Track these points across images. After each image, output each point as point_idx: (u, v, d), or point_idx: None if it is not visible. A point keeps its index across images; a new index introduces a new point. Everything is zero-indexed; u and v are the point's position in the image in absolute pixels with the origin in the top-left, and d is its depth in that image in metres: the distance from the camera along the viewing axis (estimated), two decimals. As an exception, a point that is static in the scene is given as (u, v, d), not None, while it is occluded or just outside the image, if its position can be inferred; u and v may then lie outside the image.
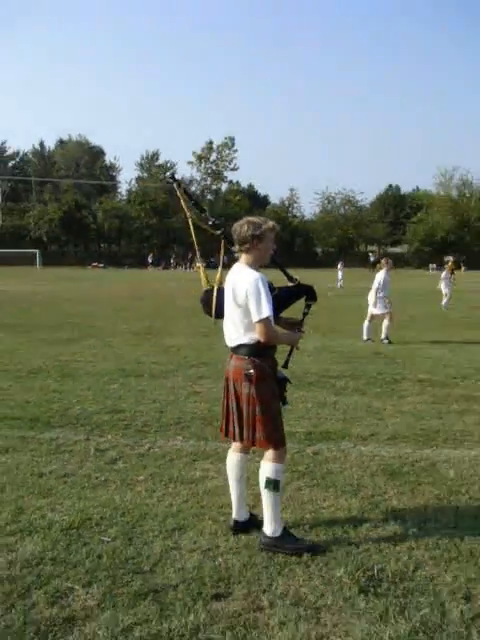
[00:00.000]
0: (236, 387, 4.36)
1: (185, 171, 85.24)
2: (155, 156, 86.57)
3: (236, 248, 4.41)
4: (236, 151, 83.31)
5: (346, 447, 6.51)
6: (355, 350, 12.87)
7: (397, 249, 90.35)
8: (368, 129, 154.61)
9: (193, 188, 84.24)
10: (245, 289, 4.18)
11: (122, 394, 8.73)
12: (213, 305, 4.71)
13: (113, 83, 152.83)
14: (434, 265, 71.88)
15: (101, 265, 68.34)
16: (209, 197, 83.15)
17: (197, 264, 5.18)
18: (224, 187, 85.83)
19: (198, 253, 5.21)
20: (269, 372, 4.37)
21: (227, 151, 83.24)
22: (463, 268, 52.87)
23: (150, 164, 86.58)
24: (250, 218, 4.38)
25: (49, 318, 18.11)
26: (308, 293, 4.77)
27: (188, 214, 4.98)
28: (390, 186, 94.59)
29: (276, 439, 4.32)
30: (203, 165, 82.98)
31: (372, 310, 14.97)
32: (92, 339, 14.00)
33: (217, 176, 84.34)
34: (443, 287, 25.65)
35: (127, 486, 5.39)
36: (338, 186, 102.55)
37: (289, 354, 4.73)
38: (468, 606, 3.62)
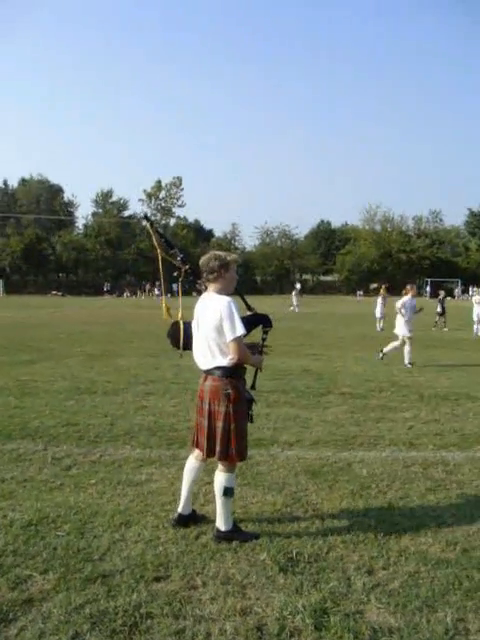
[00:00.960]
0: (211, 406, 4.41)
1: (137, 207, 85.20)
2: (109, 193, 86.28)
3: (204, 279, 4.50)
4: (183, 189, 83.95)
5: (275, 452, 6.77)
6: (287, 368, 13.15)
7: (328, 277, 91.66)
8: (303, 170, 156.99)
9: (144, 223, 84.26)
10: (219, 311, 4.25)
11: (77, 409, 8.82)
12: (181, 338, 4.76)
13: (69, 126, 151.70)
14: (361, 292, 73.34)
15: (59, 293, 67.64)
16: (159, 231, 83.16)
17: (162, 297, 5.21)
18: (172, 222, 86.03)
19: (163, 286, 5.27)
20: (243, 392, 4.50)
21: (175, 189, 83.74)
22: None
23: (105, 201, 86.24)
24: (216, 252, 4.55)
25: (11, 342, 17.96)
26: (264, 321, 4.88)
27: (159, 250, 5.02)
28: (322, 221, 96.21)
29: (245, 453, 4.51)
30: (153, 202, 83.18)
31: (403, 332, 14.50)
32: (50, 361, 14.00)
33: (166, 212, 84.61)
34: (378, 312, 25.47)
35: (80, 489, 5.53)
36: (276, 221, 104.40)
37: (255, 375, 4.86)
38: (370, 578, 3.91)
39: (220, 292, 4.44)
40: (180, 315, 4.95)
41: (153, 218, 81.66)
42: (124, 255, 77.82)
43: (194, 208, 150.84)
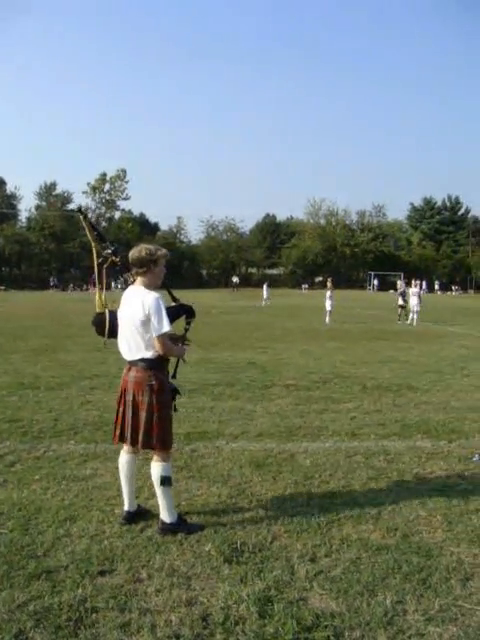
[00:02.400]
0: (135, 396, 4.49)
1: (80, 200, 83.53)
2: (53, 186, 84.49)
3: (133, 272, 4.57)
4: (128, 182, 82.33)
5: (220, 444, 6.81)
6: (231, 361, 13.21)
7: (274, 271, 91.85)
8: (247, 164, 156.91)
9: (89, 216, 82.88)
10: (147, 307, 4.34)
11: (20, 405, 8.69)
12: (106, 326, 4.81)
13: (10, 118, 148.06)
14: (306, 285, 73.91)
15: (2, 287, 66.17)
16: (104, 224, 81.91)
17: (97, 288, 5.22)
18: (117, 215, 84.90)
19: (96, 277, 5.28)
20: (166, 382, 4.59)
21: (119, 182, 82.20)
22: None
23: (48, 194, 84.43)
24: (146, 245, 4.58)
25: None
26: (188, 312, 4.99)
27: (92, 242, 5.05)
28: (267, 215, 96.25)
29: (169, 441, 4.59)
30: (97, 195, 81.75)
31: None
32: (-8, 356, 13.73)
33: (110, 205, 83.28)
34: (328, 305, 25.32)
35: (24, 485, 5.47)
36: (221, 214, 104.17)
37: (176, 365, 4.93)
38: (313, 566, 4.00)
39: (148, 286, 4.53)
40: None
41: (98, 211, 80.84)
42: (69, 248, 76.52)
43: (139, 201, 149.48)
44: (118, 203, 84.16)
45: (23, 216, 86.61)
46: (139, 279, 4.56)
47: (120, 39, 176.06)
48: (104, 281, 5.00)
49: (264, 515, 4.84)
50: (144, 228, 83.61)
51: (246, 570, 3.92)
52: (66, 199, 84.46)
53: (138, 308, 4.40)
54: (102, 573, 3.87)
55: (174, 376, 4.87)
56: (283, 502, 5.12)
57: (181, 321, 4.96)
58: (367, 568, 3.99)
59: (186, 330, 4.96)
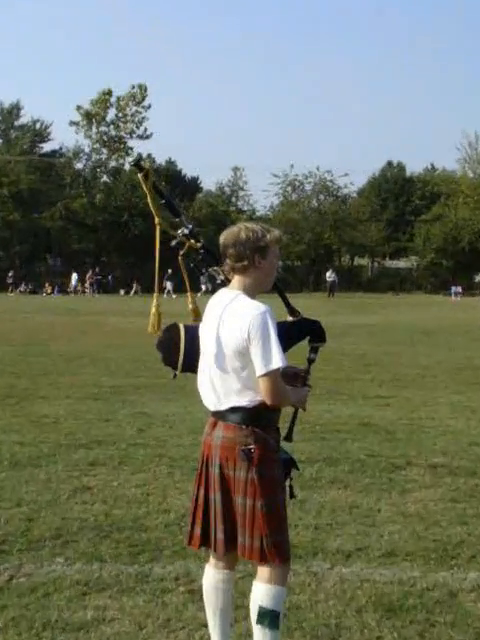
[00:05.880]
0: (223, 470, 4.49)
1: (67, 138, 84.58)
2: (16, 110, 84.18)
3: (226, 267, 4.61)
4: (148, 108, 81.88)
5: (319, 568, 6.74)
6: (332, 420, 13.14)
7: (400, 263, 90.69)
8: (359, 79, 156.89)
9: (79, 165, 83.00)
10: (247, 327, 4.31)
11: (-32, 493, 8.82)
12: (181, 351, 4.85)
13: None
14: (459, 287, 72.24)
15: None
16: (105, 179, 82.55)
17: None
18: (128, 163, 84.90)
19: (157, 277, 5.34)
20: (275, 448, 4.57)
21: (134, 107, 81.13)
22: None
23: (7, 124, 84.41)
24: (247, 224, 4.60)
25: None
26: (314, 332, 4.99)
27: (156, 217, 5.07)
28: (389, 164, 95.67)
29: (285, 548, 4.53)
30: (94, 128, 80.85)
31: None
32: None
33: (117, 146, 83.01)
34: None
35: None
36: (309, 165, 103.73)
37: (293, 420, 4.97)
38: None
39: (250, 290, 4.55)
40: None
41: (95, 157, 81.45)
42: (43, 220, 77.42)
43: (167, 141, 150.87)
44: (130, 144, 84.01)
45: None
46: (236, 278, 4.58)
47: None
48: (186, 278, 5.08)
49: None
50: (175, 186, 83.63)
51: None
52: (40, 134, 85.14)
53: (234, 328, 4.38)
54: None
55: (288, 437, 4.89)
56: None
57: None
58: None
59: (310, 362, 4.97)
